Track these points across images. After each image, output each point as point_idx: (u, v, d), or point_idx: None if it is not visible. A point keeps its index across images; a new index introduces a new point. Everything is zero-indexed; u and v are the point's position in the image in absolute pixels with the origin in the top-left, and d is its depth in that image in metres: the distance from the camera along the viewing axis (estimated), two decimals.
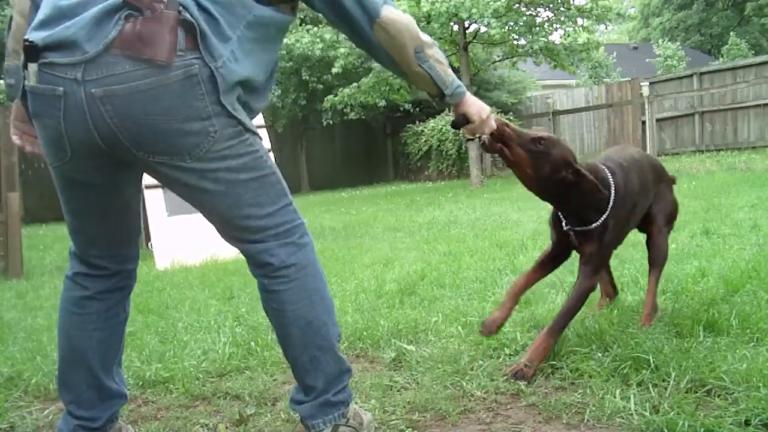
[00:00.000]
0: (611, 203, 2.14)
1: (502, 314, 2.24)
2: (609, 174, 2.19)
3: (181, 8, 1.35)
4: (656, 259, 2.52)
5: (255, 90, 1.54)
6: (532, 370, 2.09)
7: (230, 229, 1.61)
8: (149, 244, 6.42)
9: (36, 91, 1.39)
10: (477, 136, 1.92)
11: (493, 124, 1.89)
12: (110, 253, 1.70)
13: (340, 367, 1.65)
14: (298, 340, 1.61)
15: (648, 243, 2.53)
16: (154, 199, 6.18)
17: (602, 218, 2.14)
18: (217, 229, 1.64)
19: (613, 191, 2.16)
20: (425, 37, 1.64)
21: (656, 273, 2.52)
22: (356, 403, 1.79)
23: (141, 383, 2.39)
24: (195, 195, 1.55)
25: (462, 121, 1.81)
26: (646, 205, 2.44)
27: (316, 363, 1.62)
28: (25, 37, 1.38)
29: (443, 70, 1.66)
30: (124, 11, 1.32)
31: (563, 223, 2.23)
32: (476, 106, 1.80)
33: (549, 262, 2.38)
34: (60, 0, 1.37)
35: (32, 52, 1.36)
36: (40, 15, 1.40)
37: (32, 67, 1.37)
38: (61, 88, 1.35)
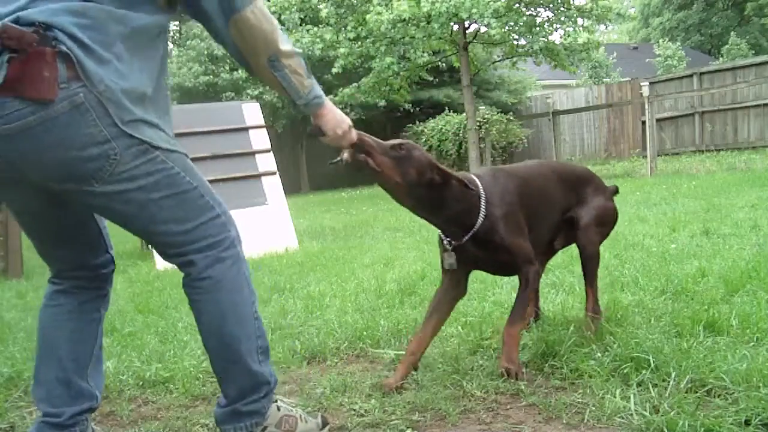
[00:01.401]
0: (484, 201, 2.13)
1: (398, 377, 2.14)
2: (475, 178, 2.18)
3: (54, 42, 1.38)
4: (585, 263, 2.47)
5: (150, 99, 1.55)
6: (516, 366, 2.11)
7: (153, 244, 1.69)
8: (149, 245, 6.42)
9: None
10: (338, 159, 1.92)
11: (353, 137, 1.86)
12: (79, 266, 1.77)
13: (254, 380, 1.68)
14: (211, 349, 1.69)
15: (578, 246, 2.49)
16: None
17: (481, 217, 2.13)
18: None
19: (482, 191, 2.14)
20: (286, 47, 1.63)
21: (590, 278, 2.48)
22: (293, 411, 1.80)
23: (141, 383, 2.39)
24: (111, 216, 1.61)
25: (318, 132, 1.79)
26: (551, 207, 2.42)
27: (226, 373, 1.69)
28: None
29: (298, 81, 1.66)
30: (5, 55, 1.37)
31: (446, 241, 2.20)
32: (333, 121, 1.78)
33: (445, 305, 2.28)
34: None
35: None
36: None
37: None
38: None
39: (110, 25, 1.44)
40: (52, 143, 1.42)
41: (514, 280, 2.31)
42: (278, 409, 1.76)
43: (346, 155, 1.91)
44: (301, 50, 1.77)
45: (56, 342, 1.73)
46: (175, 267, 1.65)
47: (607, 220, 2.53)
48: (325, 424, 1.85)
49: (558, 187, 2.45)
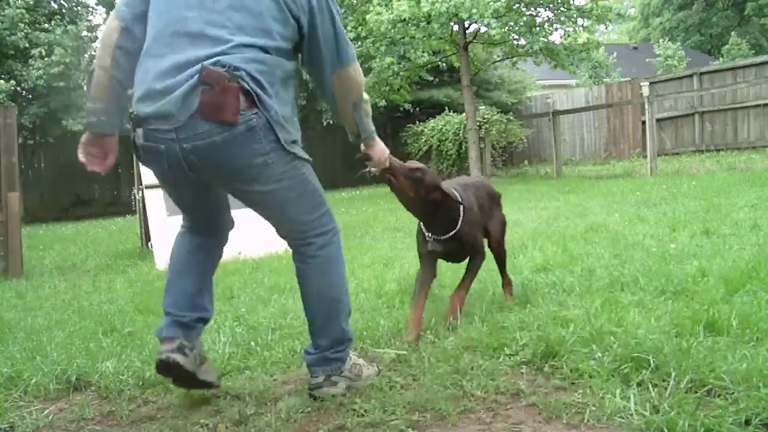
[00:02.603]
0: (462, 214, 2.81)
1: (415, 334, 2.68)
2: (455, 191, 2.83)
3: (239, 80, 1.86)
4: (500, 260, 3.20)
5: (291, 121, 2.04)
6: (456, 319, 2.76)
7: (282, 230, 2.17)
8: (149, 244, 6.42)
9: (144, 147, 1.97)
10: (367, 170, 2.44)
11: (387, 163, 2.41)
12: (209, 224, 2.30)
13: (343, 335, 2.17)
14: (316, 309, 2.15)
15: (491, 251, 3.16)
16: (154, 199, 6.18)
17: (460, 222, 2.81)
18: (275, 229, 2.18)
19: (461, 206, 2.81)
20: (365, 96, 2.19)
21: (504, 268, 3.20)
22: (359, 360, 2.26)
23: (141, 383, 2.40)
24: (261, 208, 2.11)
25: (367, 158, 2.31)
26: (485, 214, 3.10)
27: (324, 328, 2.14)
28: (131, 110, 1.99)
29: (367, 121, 2.22)
30: (201, 87, 1.84)
31: (428, 236, 2.85)
32: (380, 151, 2.33)
33: (429, 282, 2.94)
34: (154, 84, 1.90)
35: (138, 120, 1.94)
36: (138, 92, 1.95)
37: (140, 131, 1.95)
38: (163, 146, 1.91)
39: (276, 70, 1.97)
40: (230, 155, 1.90)
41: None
42: (350, 358, 2.21)
43: (374, 170, 2.41)
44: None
45: (185, 267, 2.24)
46: None
47: (504, 229, 3.28)
48: (379, 371, 2.29)
49: (488, 203, 3.17)
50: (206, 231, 2.28)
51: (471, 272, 2.96)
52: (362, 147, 2.30)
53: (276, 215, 2.12)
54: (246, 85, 1.87)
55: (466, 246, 2.89)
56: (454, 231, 2.80)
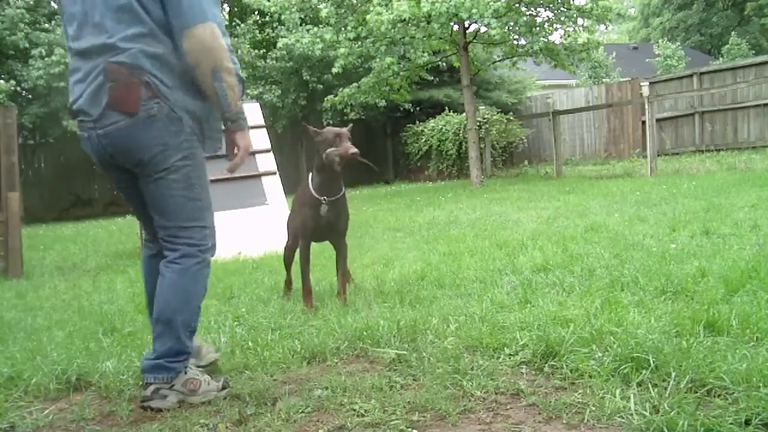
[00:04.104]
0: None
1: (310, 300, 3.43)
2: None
3: (141, 76, 2.06)
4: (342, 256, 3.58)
5: (206, 121, 2.21)
6: (345, 294, 3.38)
7: (157, 224, 2.24)
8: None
9: (79, 136, 2.25)
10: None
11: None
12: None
13: (180, 347, 2.21)
14: (161, 311, 2.21)
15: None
16: None
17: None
18: (154, 221, 2.27)
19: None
20: (229, 65, 2.10)
21: (344, 264, 3.58)
22: (200, 376, 2.25)
23: (141, 383, 2.39)
24: (147, 196, 2.22)
25: (230, 148, 2.32)
26: None
27: (162, 334, 2.21)
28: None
29: (232, 98, 2.14)
30: (107, 85, 2.08)
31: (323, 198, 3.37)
32: (243, 146, 2.28)
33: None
34: (74, 86, 2.18)
35: (72, 115, 2.23)
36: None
37: (75, 122, 2.24)
38: (86, 134, 2.19)
39: (172, 63, 2.09)
40: (134, 139, 2.09)
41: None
42: (185, 372, 2.24)
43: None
44: (242, 78, 2.19)
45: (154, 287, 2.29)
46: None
47: None
48: (224, 387, 2.26)
49: None
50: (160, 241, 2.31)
51: (345, 261, 3.59)
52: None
53: (156, 207, 2.21)
54: (146, 79, 2.06)
55: (342, 214, 3.49)
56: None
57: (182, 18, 2.05)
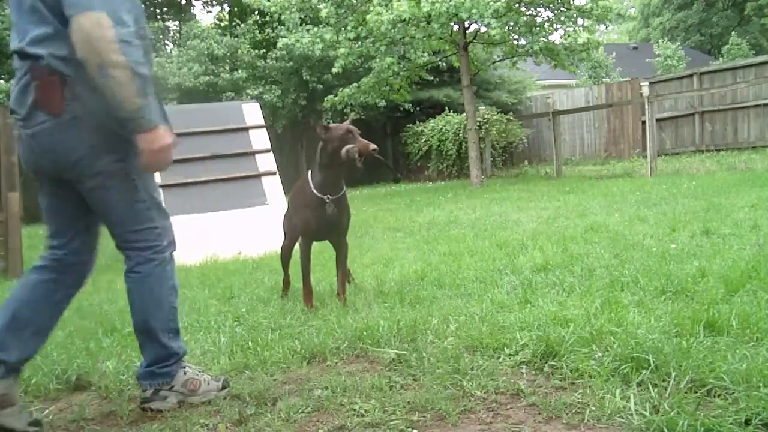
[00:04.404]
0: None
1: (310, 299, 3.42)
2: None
3: (63, 76, 1.94)
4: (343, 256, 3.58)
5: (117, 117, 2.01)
6: (344, 294, 3.39)
7: (111, 234, 2.18)
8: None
9: (16, 135, 2.12)
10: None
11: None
12: (62, 247, 2.21)
13: (166, 352, 2.19)
14: (135, 321, 2.21)
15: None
16: None
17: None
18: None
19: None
20: (117, 58, 1.84)
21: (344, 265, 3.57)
22: (200, 376, 2.25)
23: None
24: (91, 204, 2.10)
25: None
26: None
27: (144, 344, 2.21)
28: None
29: (124, 96, 1.88)
30: (33, 83, 1.97)
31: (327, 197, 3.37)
32: (148, 148, 1.97)
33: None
34: (13, 87, 2.07)
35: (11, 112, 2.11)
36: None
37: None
38: (18, 132, 2.09)
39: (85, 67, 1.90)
40: (60, 141, 1.99)
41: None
42: (185, 373, 2.23)
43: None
44: (143, 74, 1.92)
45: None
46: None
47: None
48: (224, 387, 2.26)
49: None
50: (58, 255, 2.18)
51: (346, 259, 3.60)
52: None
53: (102, 215, 2.13)
54: (67, 78, 1.94)
55: (345, 211, 3.52)
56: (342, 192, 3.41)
57: (67, 8, 1.86)
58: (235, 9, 20.25)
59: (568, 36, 12.08)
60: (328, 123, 3.37)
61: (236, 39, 17.53)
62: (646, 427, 1.70)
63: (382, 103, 14.64)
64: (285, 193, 6.69)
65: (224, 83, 16.92)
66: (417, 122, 16.91)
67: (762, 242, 3.83)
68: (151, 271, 2.15)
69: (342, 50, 11.98)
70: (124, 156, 2.05)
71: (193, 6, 23.50)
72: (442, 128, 15.84)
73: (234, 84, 16.98)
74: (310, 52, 13.13)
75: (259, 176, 6.71)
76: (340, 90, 13.51)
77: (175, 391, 2.19)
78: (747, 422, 1.65)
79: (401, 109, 16.57)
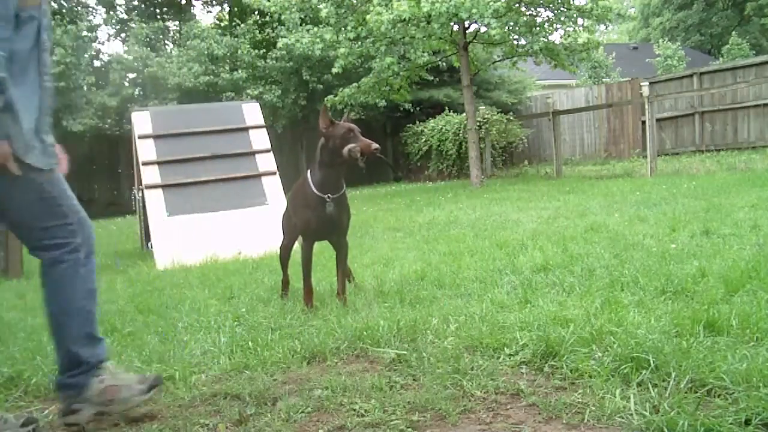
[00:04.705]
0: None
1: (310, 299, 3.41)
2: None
3: None
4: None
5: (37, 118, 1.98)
6: (344, 293, 3.38)
7: (21, 239, 2.13)
8: (149, 244, 6.42)
9: None
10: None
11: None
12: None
13: (75, 359, 2.07)
14: (49, 324, 2.10)
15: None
16: (155, 199, 6.18)
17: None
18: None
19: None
20: None
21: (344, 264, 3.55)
22: (120, 381, 2.10)
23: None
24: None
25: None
26: None
27: (56, 347, 2.10)
28: None
29: None
30: None
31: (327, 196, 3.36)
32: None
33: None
34: None
35: None
36: None
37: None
38: None
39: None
40: None
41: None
42: (101, 382, 2.08)
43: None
44: None
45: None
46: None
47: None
48: (152, 387, 2.12)
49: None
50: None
51: (346, 259, 3.62)
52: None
53: (7, 216, 2.04)
54: None
55: (345, 210, 3.49)
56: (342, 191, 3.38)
57: None
58: (235, 9, 20.25)
59: (568, 36, 12.09)
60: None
61: (236, 39, 17.53)
62: (646, 427, 1.70)
63: (382, 103, 14.65)
64: (285, 193, 6.70)
65: (224, 83, 16.93)
66: (417, 122, 16.92)
67: (762, 242, 3.83)
68: (62, 274, 2.05)
69: (342, 50, 11.99)
70: (27, 154, 1.93)
71: (193, 6, 23.48)
72: (442, 128, 15.85)
73: (234, 84, 16.99)
74: (310, 52, 13.13)
75: (259, 176, 6.71)
76: (340, 90, 13.52)
77: (91, 403, 2.07)
78: (747, 422, 1.65)
79: (401, 109, 16.59)
